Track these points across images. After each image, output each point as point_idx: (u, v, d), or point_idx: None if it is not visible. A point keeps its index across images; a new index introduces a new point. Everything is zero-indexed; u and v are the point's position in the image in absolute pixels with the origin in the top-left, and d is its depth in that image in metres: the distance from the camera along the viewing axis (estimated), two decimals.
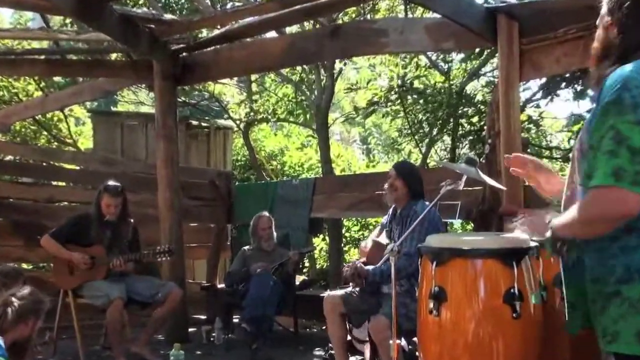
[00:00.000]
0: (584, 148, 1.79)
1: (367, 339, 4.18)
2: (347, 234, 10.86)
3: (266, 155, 13.05)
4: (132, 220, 5.44)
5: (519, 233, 3.05)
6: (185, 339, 6.00)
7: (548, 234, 1.94)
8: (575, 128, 7.58)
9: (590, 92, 6.12)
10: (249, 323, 5.25)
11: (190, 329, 6.42)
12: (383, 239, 4.30)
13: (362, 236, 10.76)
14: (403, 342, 3.72)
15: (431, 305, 2.79)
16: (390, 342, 3.06)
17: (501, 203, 4.86)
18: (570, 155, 2.00)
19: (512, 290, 2.68)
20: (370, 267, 4.02)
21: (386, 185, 4.27)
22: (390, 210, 4.38)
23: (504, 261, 2.72)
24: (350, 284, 4.21)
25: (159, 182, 6.28)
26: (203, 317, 7.01)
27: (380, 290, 4.11)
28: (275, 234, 6.11)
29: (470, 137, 8.19)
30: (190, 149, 9.28)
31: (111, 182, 5.28)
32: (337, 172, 11.66)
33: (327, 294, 4.43)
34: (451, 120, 8.30)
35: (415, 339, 3.66)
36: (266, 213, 6.16)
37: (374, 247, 4.23)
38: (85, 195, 6.94)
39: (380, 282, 4.03)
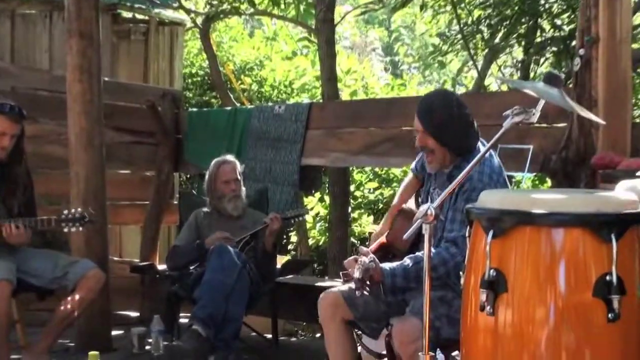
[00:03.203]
0: None
1: (385, 351, 4.16)
2: (357, 193, 10.86)
3: (236, 67, 12.99)
4: (26, 164, 5.44)
5: (623, 190, 3.07)
6: (107, 347, 6.07)
7: None
8: None
9: None
10: (204, 325, 5.29)
11: (115, 332, 6.49)
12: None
13: (379, 198, 10.76)
14: (440, 355, 3.75)
15: (483, 297, 2.79)
16: (421, 354, 3.04)
17: (595, 148, 4.86)
18: None
19: (608, 278, 2.68)
20: (387, 266, 3.80)
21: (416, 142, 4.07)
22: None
23: (598, 233, 2.71)
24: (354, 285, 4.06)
25: (69, 106, 6.25)
26: (134, 314, 7.08)
27: None
28: (245, 190, 6.15)
29: (555, 48, 8.14)
30: (118, 54, 9.25)
31: (7, 101, 5.23)
32: (346, 95, 11.62)
33: (323, 293, 4.24)
34: (525, 20, 8.24)
35: (456, 353, 3.70)
36: (231, 157, 6.18)
37: (401, 220, 4.15)
38: None
39: (406, 287, 3.87)
